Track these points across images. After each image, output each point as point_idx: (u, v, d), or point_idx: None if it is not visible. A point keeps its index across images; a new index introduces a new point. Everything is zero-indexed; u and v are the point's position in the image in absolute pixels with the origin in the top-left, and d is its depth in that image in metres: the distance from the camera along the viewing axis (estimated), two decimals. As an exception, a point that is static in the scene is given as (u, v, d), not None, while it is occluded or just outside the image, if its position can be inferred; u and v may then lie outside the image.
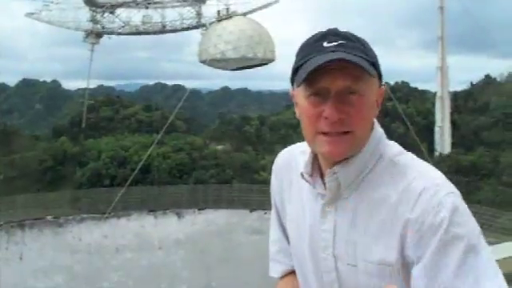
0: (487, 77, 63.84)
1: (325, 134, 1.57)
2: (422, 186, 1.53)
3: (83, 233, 31.56)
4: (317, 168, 1.72)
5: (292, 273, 1.97)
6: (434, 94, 47.91)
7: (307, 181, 1.72)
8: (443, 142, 44.41)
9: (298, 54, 1.63)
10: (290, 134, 48.72)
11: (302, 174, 1.72)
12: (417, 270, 1.50)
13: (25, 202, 33.83)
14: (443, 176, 1.59)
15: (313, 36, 1.64)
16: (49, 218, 31.65)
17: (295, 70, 1.60)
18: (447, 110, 44.80)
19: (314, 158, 1.72)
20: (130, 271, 30.22)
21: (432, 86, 53.42)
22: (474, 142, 49.05)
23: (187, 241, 32.01)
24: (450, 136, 45.01)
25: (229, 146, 53.82)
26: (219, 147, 52.68)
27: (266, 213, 29.78)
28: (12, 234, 30.14)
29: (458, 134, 48.84)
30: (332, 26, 1.64)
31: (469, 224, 1.50)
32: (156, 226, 32.66)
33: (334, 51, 1.53)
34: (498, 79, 64.52)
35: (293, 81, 1.64)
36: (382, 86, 1.67)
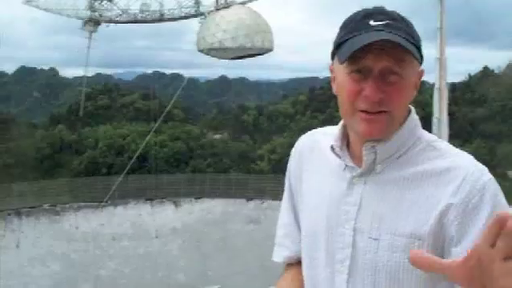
0: (485, 68, 63.76)
1: (363, 112, 1.56)
2: (466, 169, 1.55)
3: (80, 221, 31.60)
4: (345, 143, 1.72)
5: (296, 266, 1.92)
6: (432, 85, 47.64)
7: (337, 154, 1.71)
8: (440, 133, 44.16)
9: (341, 29, 1.62)
10: (288, 123, 48.74)
11: (331, 147, 1.72)
12: (459, 250, 1.49)
13: (22, 190, 33.84)
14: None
15: (359, 12, 1.62)
16: (46, 206, 31.67)
17: (338, 45, 1.60)
18: (445, 102, 44.50)
19: (344, 133, 1.72)
20: (126, 259, 30.28)
21: (430, 77, 53.05)
22: (472, 134, 49.14)
23: (184, 229, 32.07)
24: (447, 127, 44.67)
25: (226, 135, 53.88)
26: (216, 136, 52.72)
27: (262, 202, 29.84)
28: (9, 221, 30.17)
29: (455, 125, 48.78)
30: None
31: (507, 209, 1.50)
32: (153, 214, 32.72)
33: (380, 30, 1.53)
34: (496, 71, 64.45)
35: (333, 55, 1.65)
36: (422, 69, 1.69)
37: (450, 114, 47.50)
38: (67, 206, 32.16)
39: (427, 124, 46.13)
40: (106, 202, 32.72)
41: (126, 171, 35.69)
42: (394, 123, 1.60)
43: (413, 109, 1.70)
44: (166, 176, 37.98)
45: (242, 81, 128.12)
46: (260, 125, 57.67)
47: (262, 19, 41.53)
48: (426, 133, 1.70)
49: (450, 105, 47.70)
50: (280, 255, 1.98)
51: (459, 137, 47.65)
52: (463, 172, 1.54)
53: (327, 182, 1.74)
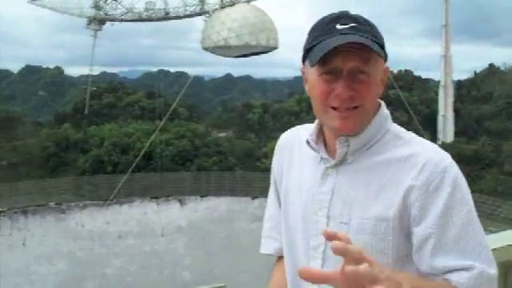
0: (491, 66, 63.51)
1: (335, 109, 1.67)
2: (428, 154, 1.65)
3: (86, 219, 31.68)
4: (321, 138, 1.82)
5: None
6: (438, 82, 47.75)
7: (312, 147, 1.81)
8: (446, 130, 44.33)
9: (310, 34, 1.72)
10: (293, 121, 48.65)
11: (307, 141, 1.82)
12: (420, 229, 1.60)
13: (28, 189, 33.94)
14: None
15: (325, 17, 1.72)
16: (51, 204, 31.77)
17: (307, 50, 1.70)
18: (450, 99, 44.67)
19: (320, 129, 1.82)
20: (132, 257, 30.35)
21: (435, 75, 53.26)
22: (477, 131, 48.94)
23: (189, 228, 32.11)
24: (452, 125, 44.91)
25: (231, 133, 53.84)
26: (222, 134, 52.69)
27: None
28: (15, 220, 30.28)
29: (461, 122, 48.72)
30: (349, 10, 1.73)
31: (468, 192, 1.63)
32: (158, 212, 32.77)
33: (346, 34, 1.62)
34: (502, 68, 64.19)
35: (304, 58, 1.74)
36: (387, 66, 1.77)
37: (456, 112, 47.67)
38: (73, 204, 32.25)
39: (433, 121, 46.11)
40: (112, 200, 32.79)
41: (131, 170, 35.76)
42: (366, 117, 1.71)
43: (383, 103, 1.80)
44: (172, 174, 38.00)
45: (247, 79, 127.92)
46: (265, 123, 57.60)
47: (266, 17, 41.52)
48: (395, 125, 1.79)
49: (455, 102, 47.80)
50: (268, 247, 2.06)
51: (465, 134, 47.53)
52: (425, 156, 1.64)
53: (305, 175, 1.84)
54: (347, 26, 1.63)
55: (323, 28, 1.67)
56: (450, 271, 1.57)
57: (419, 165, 1.62)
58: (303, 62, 1.76)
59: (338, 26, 1.64)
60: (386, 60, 1.74)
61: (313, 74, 1.70)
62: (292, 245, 1.86)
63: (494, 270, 1.57)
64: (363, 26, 1.66)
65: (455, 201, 1.58)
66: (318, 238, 1.73)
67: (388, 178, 1.65)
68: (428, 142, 1.73)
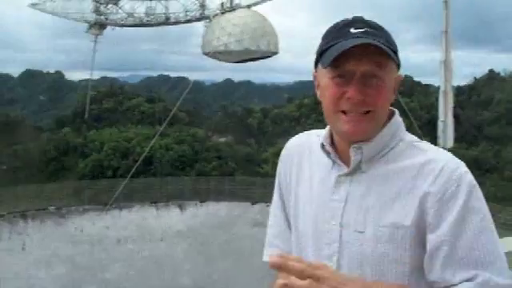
0: (491, 72, 63.66)
1: (345, 113, 1.66)
2: (444, 162, 1.63)
3: (85, 224, 31.63)
4: (333, 145, 1.80)
5: None
6: (438, 88, 47.68)
7: (327, 151, 1.79)
8: (446, 136, 44.28)
9: (324, 38, 1.72)
10: (293, 126, 48.68)
11: (322, 145, 1.81)
12: (435, 236, 1.58)
13: (27, 193, 33.89)
14: None
15: (339, 22, 1.72)
16: (51, 208, 31.73)
17: (321, 53, 1.70)
18: (450, 105, 44.63)
19: (331, 135, 1.81)
20: (131, 263, 30.30)
21: (435, 81, 53.21)
22: (477, 137, 49.02)
23: (189, 233, 32.06)
24: (452, 130, 44.86)
25: (231, 138, 53.87)
26: (222, 139, 52.73)
27: (268, 205, 29.71)
28: (14, 224, 30.23)
29: (461, 128, 48.70)
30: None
31: (483, 200, 1.62)
32: (158, 217, 32.73)
33: (359, 37, 1.62)
34: (502, 74, 64.33)
35: (317, 63, 1.74)
36: (400, 75, 1.77)
37: (456, 117, 47.68)
38: (72, 208, 32.21)
39: (433, 127, 46.16)
40: (111, 204, 32.74)
41: (131, 174, 35.70)
42: (377, 123, 1.70)
43: (396, 111, 1.82)
44: (171, 179, 37.97)
45: (248, 84, 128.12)
46: (265, 128, 57.69)
47: (267, 22, 41.54)
48: (409, 135, 1.79)
49: (455, 108, 47.82)
50: (272, 256, 2.00)
51: (464, 140, 47.58)
52: (441, 164, 1.62)
53: (316, 181, 1.82)
54: (361, 30, 1.64)
55: (337, 32, 1.68)
56: (456, 284, 1.55)
57: (435, 171, 1.61)
58: (315, 66, 1.77)
59: (352, 30, 1.65)
60: (399, 68, 1.74)
61: (324, 77, 1.70)
62: (302, 253, 1.83)
63: (504, 280, 1.54)
64: (378, 31, 1.67)
65: (470, 209, 1.57)
66: (332, 246, 1.72)
67: (403, 185, 1.64)
68: (443, 150, 1.73)
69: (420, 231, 1.61)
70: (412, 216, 1.60)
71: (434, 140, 44.34)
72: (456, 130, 46.75)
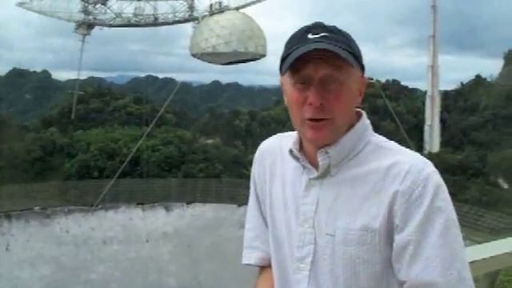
0: (478, 77, 63.90)
1: (309, 120, 1.68)
2: (410, 163, 1.65)
3: (71, 224, 31.50)
4: (303, 148, 1.82)
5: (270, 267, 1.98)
6: (425, 92, 48.01)
7: (295, 156, 1.81)
8: (432, 140, 44.55)
9: (285, 46, 1.74)
10: (280, 129, 48.69)
11: (290, 150, 1.82)
12: (401, 237, 1.61)
13: (12, 193, 33.69)
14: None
15: (299, 29, 1.75)
16: (36, 209, 31.56)
17: (282, 60, 1.72)
18: (437, 109, 44.93)
19: (300, 141, 1.83)
20: (117, 263, 30.20)
21: (422, 85, 53.57)
22: (463, 142, 49.24)
23: (175, 234, 32.02)
24: (439, 135, 45.16)
25: (218, 140, 53.78)
26: (209, 141, 52.64)
27: (254, 208, 29.78)
28: (-1, 224, 30.04)
29: (447, 133, 49.00)
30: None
31: (449, 200, 1.64)
32: (144, 218, 32.66)
33: (316, 42, 1.64)
34: (489, 79, 64.65)
35: (281, 69, 1.74)
36: (365, 77, 1.78)
37: (442, 122, 47.92)
38: (58, 209, 32.05)
39: (419, 131, 46.30)
40: (97, 205, 32.63)
41: (117, 175, 35.60)
42: (338, 128, 1.72)
43: (364, 113, 1.82)
44: (158, 180, 37.92)
45: (235, 86, 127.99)
46: (252, 130, 57.60)
47: (255, 25, 41.60)
48: (376, 136, 1.80)
49: (441, 112, 48.06)
50: (250, 257, 2.03)
51: (451, 144, 47.79)
52: (408, 164, 1.65)
53: (288, 184, 1.85)
54: (318, 36, 1.66)
55: (296, 38, 1.70)
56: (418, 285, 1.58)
57: (402, 173, 1.63)
58: (280, 72, 1.77)
59: (310, 36, 1.67)
60: (363, 70, 1.76)
61: (288, 84, 1.73)
62: (279, 256, 1.86)
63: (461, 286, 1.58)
64: (336, 35, 1.68)
65: (435, 209, 1.59)
66: (305, 249, 1.74)
67: (371, 187, 1.66)
68: (410, 151, 1.74)
69: (389, 232, 1.63)
70: (380, 218, 1.63)
71: (420, 144, 44.58)
72: (442, 134, 47.03)
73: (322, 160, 1.73)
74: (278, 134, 2.04)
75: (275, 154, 1.94)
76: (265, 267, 2.00)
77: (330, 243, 1.69)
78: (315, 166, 1.76)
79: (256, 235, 2.03)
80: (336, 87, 1.66)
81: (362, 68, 1.74)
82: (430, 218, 1.58)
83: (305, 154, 1.81)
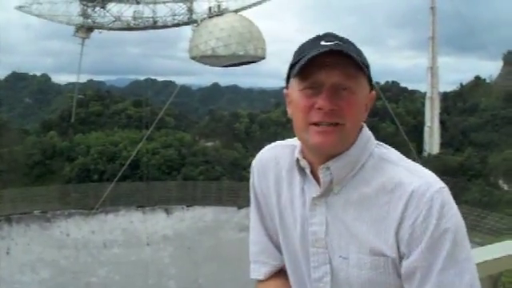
0: (477, 78, 63.99)
1: (316, 125, 1.64)
2: (413, 185, 1.61)
3: (71, 228, 31.48)
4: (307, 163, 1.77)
5: (276, 275, 1.96)
6: (424, 94, 48.06)
7: (301, 167, 1.77)
8: (432, 142, 44.57)
9: (295, 52, 1.71)
10: (280, 131, 48.74)
11: (297, 159, 1.78)
12: (408, 263, 1.60)
13: (12, 197, 33.68)
14: (430, 172, 1.67)
15: (311, 37, 1.72)
16: (36, 212, 31.54)
17: (291, 66, 1.69)
18: (437, 111, 44.96)
19: (303, 154, 1.77)
20: (117, 267, 30.18)
21: (422, 87, 53.58)
22: (463, 143, 49.26)
23: (175, 237, 32.00)
24: (438, 136, 45.18)
25: (218, 142, 53.75)
26: (208, 144, 52.62)
27: (254, 210, 29.78)
28: (-1, 228, 30.03)
29: (447, 134, 49.02)
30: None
31: (456, 217, 1.60)
32: (144, 221, 32.65)
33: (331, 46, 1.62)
34: (488, 80, 64.75)
35: (288, 79, 1.72)
36: (373, 91, 1.75)
37: (442, 123, 47.93)
38: (58, 212, 32.04)
39: (419, 133, 46.31)
40: (97, 208, 32.61)
41: (117, 178, 35.58)
42: (347, 137, 1.68)
43: (364, 125, 1.76)
44: (158, 183, 37.88)
45: (235, 88, 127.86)
46: (252, 133, 57.64)
47: (254, 27, 41.59)
48: (378, 146, 1.76)
49: (441, 114, 48.07)
50: (259, 272, 2.00)
51: (450, 145, 47.82)
52: (412, 186, 1.61)
53: (296, 197, 1.81)
54: (332, 43, 1.63)
55: (308, 45, 1.68)
56: None
57: (405, 196, 1.60)
58: (287, 83, 1.75)
59: (323, 43, 1.64)
60: (371, 86, 1.73)
61: (295, 91, 1.69)
62: (297, 275, 1.84)
63: None
64: (349, 45, 1.66)
65: (442, 232, 1.56)
66: (321, 269, 1.73)
67: (378, 212, 1.64)
68: (413, 164, 1.71)
69: (399, 258, 1.62)
70: (389, 243, 1.61)
71: (420, 145, 44.61)
72: (442, 135, 47.03)
73: (323, 177, 1.70)
74: (277, 143, 2.00)
75: (279, 164, 1.90)
76: (262, 281, 1.99)
77: (343, 265, 1.68)
78: (318, 179, 1.73)
79: (262, 249, 2.00)
80: (348, 94, 1.63)
81: (371, 82, 1.72)
82: (438, 242, 1.56)
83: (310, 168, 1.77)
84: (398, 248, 1.61)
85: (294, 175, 1.81)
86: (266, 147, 2.02)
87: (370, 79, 1.70)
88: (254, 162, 2.00)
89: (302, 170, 1.77)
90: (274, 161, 1.91)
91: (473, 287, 1.56)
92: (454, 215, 1.59)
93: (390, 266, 1.62)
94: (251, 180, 2.00)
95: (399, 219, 1.60)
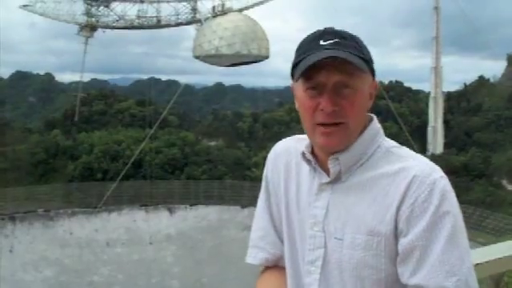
0: (481, 78, 63.97)
1: (321, 125, 1.68)
2: (417, 168, 1.65)
3: (74, 226, 31.52)
4: (314, 154, 1.81)
5: (273, 269, 1.98)
6: (428, 94, 48.05)
7: (308, 159, 1.80)
8: (436, 142, 44.54)
9: (296, 51, 1.74)
10: (283, 130, 48.75)
11: (303, 153, 1.81)
12: (406, 241, 1.61)
13: (16, 195, 33.72)
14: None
15: (311, 34, 1.75)
16: (40, 211, 31.58)
17: (294, 66, 1.71)
18: (440, 111, 44.93)
19: (312, 145, 1.82)
20: (120, 266, 30.21)
21: (426, 86, 53.62)
22: (467, 143, 49.23)
23: (178, 236, 32.01)
24: (442, 136, 45.16)
25: (221, 142, 53.81)
26: (212, 143, 52.68)
27: (257, 209, 29.80)
28: (2, 226, 30.07)
29: (450, 134, 49.00)
30: (327, 25, 1.73)
31: (456, 205, 1.63)
32: (147, 220, 32.66)
33: (329, 49, 1.64)
34: (492, 80, 64.73)
35: (292, 75, 1.74)
36: (375, 80, 1.78)
37: (446, 123, 47.89)
38: (61, 211, 32.08)
39: (422, 133, 46.26)
40: (101, 207, 32.65)
41: (120, 177, 35.62)
42: (351, 134, 1.72)
43: (375, 118, 1.81)
44: (161, 182, 37.92)
45: (238, 88, 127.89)
46: (255, 132, 57.72)
47: (258, 26, 41.56)
48: (387, 140, 1.79)
49: (445, 113, 48.04)
50: (256, 257, 2.01)
51: (454, 145, 47.79)
52: (415, 170, 1.65)
53: (302, 187, 1.85)
54: (331, 42, 1.66)
55: (308, 44, 1.71)
56: None
57: (409, 177, 1.63)
58: (292, 78, 1.77)
59: (322, 42, 1.67)
60: (374, 74, 1.76)
61: (299, 89, 1.73)
62: (293, 258, 1.87)
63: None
64: (347, 41, 1.68)
65: (442, 214, 1.58)
66: (315, 252, 1.75)
67: (379, 192, 1.67)
68: (420, 156, 1.74)
69: (394, 237, 1.63)
70: (386, 223, 1.63)
71: (423, 145, 44.54)
72: (446, 135, 47.00)
73: (332, 167, 1.73)
74: (294, 136, 2.03)
75: (290, 155, 1.93)
76: (267, 267, 1.99)
77: (338, 247, 1.70)
78: (326, 170, 1.76)
79: (263, 235, 2.01)
80: (349, 93, 1.66)
81: (373, 72, 1.75)
82: (437, 223, 1.58)
83: (316, 158, 1.80)
84: (396, 226, 1.62)
85: (303, 166, 1.85)
86: (280, 141, 2.06)
87: (372, 70, 1.73)
88: (269, 154, 2.04)
89: (309, 161, 1.81)
90: (287, 152, 1.96)
91: (471, 277, 1.58)
92: (455, 203, 1.63)
93: (383, 248, 1.64)
94: (265, 171, 2.04)
95: (400, 198, 1.62)
